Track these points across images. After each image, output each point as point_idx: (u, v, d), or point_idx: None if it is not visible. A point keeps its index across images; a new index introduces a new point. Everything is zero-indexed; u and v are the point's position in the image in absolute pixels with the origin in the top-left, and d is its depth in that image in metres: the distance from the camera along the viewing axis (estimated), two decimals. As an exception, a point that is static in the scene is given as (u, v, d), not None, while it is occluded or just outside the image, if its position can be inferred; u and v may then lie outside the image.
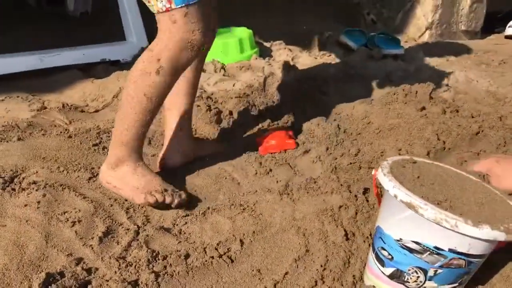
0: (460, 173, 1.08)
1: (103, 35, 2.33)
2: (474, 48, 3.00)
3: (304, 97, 1.97)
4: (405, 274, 0.95)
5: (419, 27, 3.02)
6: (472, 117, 1.73)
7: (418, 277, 0.94)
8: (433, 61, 2.57)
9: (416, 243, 0.92)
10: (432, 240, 0.91)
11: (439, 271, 0.93)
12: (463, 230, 0.86)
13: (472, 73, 2.49)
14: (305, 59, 2.42)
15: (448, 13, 3.01)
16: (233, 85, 2.02)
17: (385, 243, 0.97)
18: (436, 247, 0.91)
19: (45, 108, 1.74)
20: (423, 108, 1.73)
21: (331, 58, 2.43)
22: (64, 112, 1.71)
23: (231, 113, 1.79)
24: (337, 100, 1.90)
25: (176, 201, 1.23)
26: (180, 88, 1.41)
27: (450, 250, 0.90)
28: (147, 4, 1.16)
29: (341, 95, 1.98)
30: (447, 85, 2.24)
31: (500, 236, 0.86)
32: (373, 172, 1.04)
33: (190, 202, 1.31)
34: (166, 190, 1.24)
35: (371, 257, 1.02)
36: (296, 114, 1.82)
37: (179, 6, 1.10)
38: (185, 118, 1.44)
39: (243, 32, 2.36)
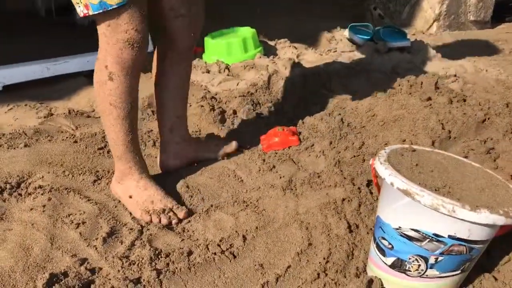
0: (461, 159, 1.06)
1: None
2: (484, 37, 2.95)
3: (308, 94, 1.97)
4: (406, 262, 0.94)
5: (427, 19, 2.99)
6: (479, 105, 1.71)
7: (419, 265, 0.93)
8: (441, 52, 2.53)
9: (415, 230, 0.91)
10: (430, 227, 0.89)
11: (440, 258, 0.92)
12: (461, 215, 0.85)
13: (481, 63, 2.45)
14: (311, 56, 2.41)
15: (455, 4, 2.97)
16: (237, 84, 2.02)
17: (384, 232, 0.97)
18: (435, 234, 0.89)
19: (52, 115, 1.77)
20: (429, 99, 1.71)
21: (337, 54, 2.42)
22: (71, 118, 1.74)
23: (235, 112, 1.79)
24: (342, 95, 1.89)
25: (173, 221, 1.21)
26: (163, 96, 1.40)
27: (450, 237, 0.89)
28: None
29: (346, 90, 1.97)
30: (455, 75, 2.21)
31: (499, 220, 0.85)
32: (370, 162, 1.04)
33: (194, 201, 1.31)
34: (163, 210, 1.22)
35: (373, 247, 1.02)
36: (300, 110, 1.82)
37: (97, 11, 1.09)
38: (176, 122, 1.43)
39: (246, 32, 2.37)
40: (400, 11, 3.09)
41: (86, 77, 2.14)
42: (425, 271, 0.94)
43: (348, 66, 2.22)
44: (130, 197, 1.26)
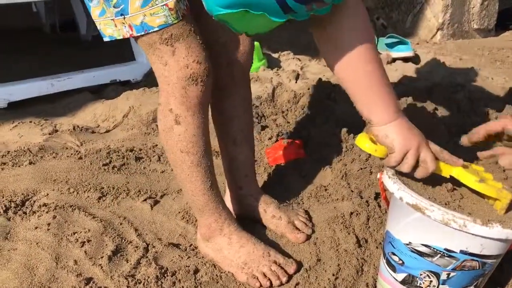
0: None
1: (113, 56, 2.36)
2: (488, 45, 2.94)
3: (313, 106, 1.96)
4: (417, 279, 0.92)
5: (430, 28, 2.98)
6: (487, 114, 1.69)
7: (431, 281, 0.91)
8: (445, 61, 2.52)
9: (426, 246, 0.89)
10: (442, 242, 0.87)
11: (452, 274, 0.90)
12: (472, 230, 0.83)
13: (486, 71, 2.44)
14: (314, 68, 2.40)
15: (459, 12, 2.97)
16: (242, 98, 2.01)
17: (395, 248, 0.95)
18: (446, 249, 0.87)
19: (57, 131, 1.76)
20: (435, 109, 1.70)
21: (341, 65, 2.41)
22: (75, 134, 1.73)
23: (240, 125, 1.78)
24: (347, 107, 1.88)
25: (283, 280, 1.06)
26: (221, 135, 1.24)
27: (462, 252, 0.87)
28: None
29: (351, 101, 1.96)
30: (460, 84, 2.20)
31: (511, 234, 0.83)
32: (378, 176, 1.02)
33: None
34: (270, 269, 1.08)
35: (383, 263, 1.00)
36: (306, 122, 1.81)
37: (138, 34, 0.97)
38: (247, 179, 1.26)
39: (250, 45, 2.37)
40: (403, 21, 3.09)
41: (90, 93, 2.14)
42: (437, 287, 0.91)
43: (352, 77, 2.21)
44: (225, 257, 1.11)
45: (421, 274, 0.91)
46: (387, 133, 0.94)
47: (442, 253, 0.88)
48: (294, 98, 1.96)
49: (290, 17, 0.83)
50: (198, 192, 1.10)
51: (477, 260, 0.88)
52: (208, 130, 1.09)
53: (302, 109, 1.92)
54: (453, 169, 0.93)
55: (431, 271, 0.90)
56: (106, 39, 1.04)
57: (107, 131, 1.82)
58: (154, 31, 0.96)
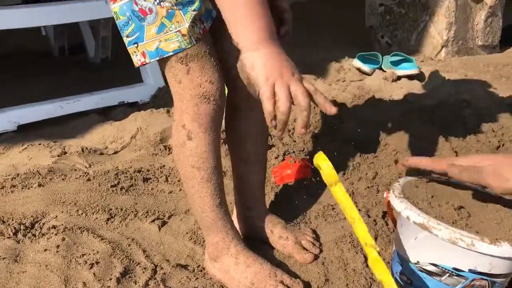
0: (477, 189, 1.05)
1: (121, 78, 2.39)
2: (493, 62, 2.95)
3: (319, 124, 1.96)
4: None
5: (435, 45, 3.00)
6: (493, 131, 1.69)
7: None
8: (451, 78, 2.53)
9: (434, 265, 0.89)
10: (450, 261, 0.87)
11: None
12: (480, 249, 0.83)
13: (492, 88, 2.44)
14: (320, 87, 2.42)
15: (463, 29, 2.99)
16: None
17: (403, 267, 0.95)
18: (455, 268, 0.87)
19: (66, 153, 1.78)
20: (441, 126, 1.70)
21: (346, 84, 2.43)
22: (84, 156, 1.75)
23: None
24: (353, 125, 1.89)
25: None
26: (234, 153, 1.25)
27: (471, 271, 0.87)
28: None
29: (357, 119, 1.97)
30: (466, 101, 2.20)
31: None
32: (385, 195, 1.02)
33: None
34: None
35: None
36: (312, 141, 1.81)
37: (153, 59, 1.01)
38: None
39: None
40: (407, 38, 3.11)
41: (99, 114, 2.16)
42: None
43: (358, 95, 2.23)
44: (233, 278, 1.11)
45: None
46: (254, 62, 0.88)
47: (450, 272, 0.88)
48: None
49: None
50: (206, 209, 1.10)
51: (487, 279, 0.88)
52: (220, 148, 1.11)
53: (309, 128, 1.93)
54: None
55: None
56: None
57: (115, 153, 1.83)
58: (169, 56, 1.00)
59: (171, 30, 0.98)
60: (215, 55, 1.04)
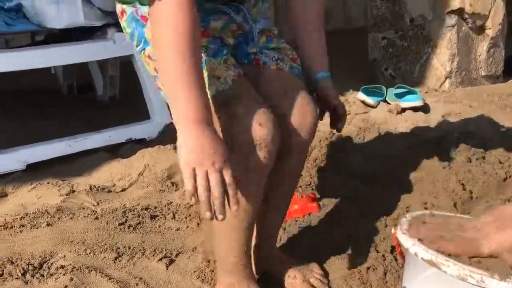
0: None
1: (129, 115, 2.43)
2: (498, 92, 2.96)
3: (325, 158, 1.97)
4: None
5: (438, 77, 3.02)
6: (500, 162, 1.69)
7: None
8: (456, 109, 2.54)
9: None
10: None
11: None
12: (490, 286, 0.82)
13: (497, 118, 2.45)
14: (325, 120, 2.43)
15: (465, 60, 3.02)
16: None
17: None
18: None
19: (74, 191, 1.80)
20: (447, 158, 1.71)
21: (351, 117, 2.44)
22: (92, 194, 1.76)
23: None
24: (358, 158, 1.90)
25: None
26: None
27: None
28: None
29: (362, 153, 1.98)
30: (471, 132, 2.20)
31: None
32: (392, 231, 1.02)
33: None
34: None
35: None
36: (318, 176, 1.82)
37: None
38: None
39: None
40: (411, 70, 3.14)
41: (106, 152, 2.18)
42: None
43: (363, 128, 2.24)
44: None
45: None
46: (183, 141, 0.85)
47: None
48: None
49: None
50: (231, 253, 1.06)
51: None
52: (262, 198, 1.04)
53: (315, 162, 1.93)
54: None
55: None
56: None
57: (123, 190, 1.84)
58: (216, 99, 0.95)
59: (204, 77, 0.93)
60: (259, 96, 0.96)
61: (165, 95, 0.94)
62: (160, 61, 0.89)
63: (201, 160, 0.84)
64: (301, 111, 1.05)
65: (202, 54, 0.95)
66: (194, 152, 0.84)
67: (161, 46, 0.87)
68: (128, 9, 1.06)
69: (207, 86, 0.94)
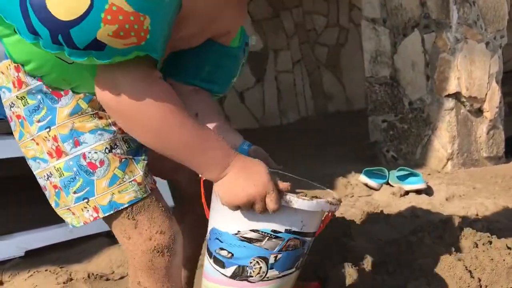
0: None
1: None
2: (501, 173, 2.96)
3: (330, 243, 1.94)
4: (247, 268, 0.96)
5: (440, 158, 3.04)
6: (507, 248, 1.65)
7: (261, 267, 0.96)
8: (459, 191, 2.53)
9: (255, 231, 0.95)
10: (269, 225, 0.94)
11: (279, 256, 0.97)
12: (296, 205, 0.93)
13: (501, 200, 2.43)
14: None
15: (466, 142, 3.05)
16: (257, 237, 2.01)
17: (222, 242, 0.97)
18: (273, 231, 0.94)
19: (72, 279, 1.75)
20: (452, 244, 1.67)
21: (354, 199, 2.43)
22: (90, 282, 1.72)
23: (255, 267, 1.76)
24: (362, 242, 1.86)
25: None
26: None
27: (286, 231, 0.95)
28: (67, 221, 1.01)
29: (367, 237, 1.94)
30: (476, 214, 2.18)
31: (326, 206, 0.97)
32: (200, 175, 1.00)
33: None
34: None
35: (208, 263, 1.01)
36: (323, 262, 1.77)
37: (107, 213, 0.95)
38: None
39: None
40: (413, 152, 3.17)
41: (106, 236, 2.16)
42: (266, 273, 0.97)
43: (366, 211, 2.22)
44: None
45: (251, 263, 0.96)
46: (217, 189, 0.94)
47: (270, 235, 0.95)
48: (309, 236, 1.96)
49: (36, 42, 0.78)
50: None
51: (299, 238, 0.97)
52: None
53: (318, 246, 1.89)
54: None
55: (260, 257, 0.96)
56: (69, 227, 1.03)
57: (121, 278, 1.80)
58: (123, 208, 0.95)
59: (124, 181, 0.94)
60: (162, 199, 1.00)
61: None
62: (165, 140, 0.90)
63: (261, 192, 0.91)
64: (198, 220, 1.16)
65: (123, 149, 0.96)
66: (233, 195, 0.92)
67: (159, 128, 0.88)
68: (33, 81, 0.95)
69: (127, 190, 0.95)
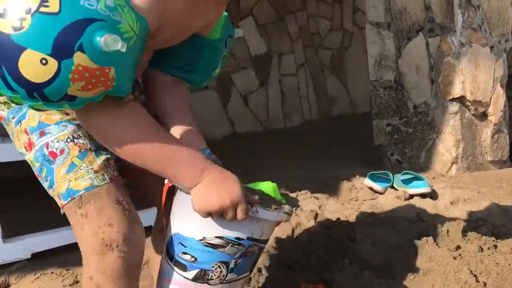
0: None
1: (137, 201, 2.43)
2: (505, 177, 2.96)
3: (334, 246, 1.94)
4: (209, 272, 1.00)
5: (445, 162, 3.04)
6: (512, 252, 1.65)
7: (221, 271, 1.01)
8: (463, 195, 2.53)
9: (220, 237, 0.99)
10: (233, 232, 0.99)
11: (239, 261, 1.03)
12: (262, 215, 0.98)
13: (506, 203, 2.42)
14: (332, 206, 2.43)
15: (471, 146, 3.05)
16: (262, 241, 2.02)
17: (186, 247, 1.00)
18: (237, 238, 1.00)
19: (78, 282, 1.76)
20: (458, 248, 1.67)
21: (359, 203, 2.44)
22: (96, 284, 1.72)
23: (259, 270, 1.76)
24: (367, 246, 1.86)
25: None
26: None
27: (248, 239, 1.01)
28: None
29: (371, 241, 1.95)
30: (481, 219, 2.18)
31: (284, 217, 1.02)
32: (166, 181, 1.05)
33: None
34: None
35: (168, 266, 1.03)
36: (328, 266, 1.78)
37: (66, 201, 0.97)
38: None
39: (267, 187, 2.43)
40: (417, 156, 3.17)
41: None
42: (226, 276, 1.02)
43: (371, 215, 2.22)
44: None
45: (213, 267, 1.00)
46: (192, 196, 0.97)
47: (233, 242, 1.00)
48: (315, 239, 1.96)
49: (16, 95, 0.82)
50: None
51: (257, 245, 1.04)
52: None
53: (323, 251, 1.90)
54: None
55: (222, 262, 1.00)
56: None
57: (127, 280, 1.81)
58: (79, 195, 0.97)
59: (81, 169, 0.98)
60: (123, 192, 1.01)
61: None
62: (138, 156, 0.93)
63: (234, 201, 0.96)
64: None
65: (85, 141, 1.01)
66: (208, 199, 0.95)
67: (132, 146, 0.92)
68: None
69: (83, 177, 0.98)
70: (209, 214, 0.95)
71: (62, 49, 0.77)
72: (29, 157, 1.03)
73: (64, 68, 0.79)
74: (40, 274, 1.84)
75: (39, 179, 1.04)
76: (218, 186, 0.95)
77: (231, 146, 4.11)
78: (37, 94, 0.81)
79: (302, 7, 5.37)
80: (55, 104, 0.84)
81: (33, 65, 0.78)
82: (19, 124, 1.03)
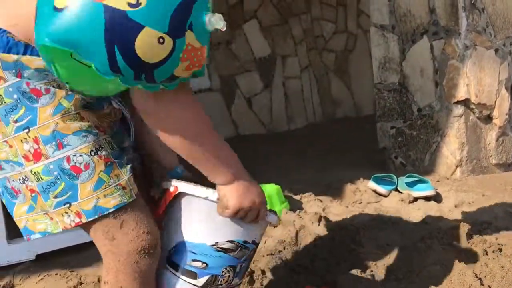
0: None
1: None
2: (510, 180, 2.95)
3: (338, 249, 1.94)
4: (219, 277, 1.01)
5: (449, 165, 3.03)
6: (517, 255, 1.65)
7: (229, 276, 1.02)
8: (468, 198, 2.52)
9: (231, 241, 1.01)
10: (242, 236, 1.02)
11: (243, 265, 1.05)
12: (269, 219, 1.04)
13: (511, 207, 2.41)
14: (336, 209, 2.42)
15: (475, 149, 3.04)
16: (265, 242, 2.02)
17: (196, 253, 1.00)
18: (244, 241, 1.02)
19: (82, 283, 1.77)
20: (462, 251, 1.67)
21: (363, 206, 2.43)
22: (100, 286, 1.73)
23: (263, 272, 1.76)
24: (371, 249, 1.86)
25: None
26: None
27: (253, 242, 1.04)
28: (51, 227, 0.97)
29: (375, 243, 1.94)
30: (486, 222, 2.17)
31: (276, 221, 1.09)
32: (172, 189, 1.05)
33: None
34: None
35: (173, 277, 1.02)
36: (331, 268, 1.78)
37: (91, 218, 0.93)
38: None
39: (271, 189, 2.42)
40: (421, 159, 3.16)
41: (116, 241, 2.17)
42: (232, 281, 1.03)
43: (375, 218, 2.22)
44: None
45: (222, 271, 1.01)
46: (225, 193, 1.00)
47: (241, 245, 1.02)
48: (318, 241, 1.96)
49: (116, 78, 0.80)
50: None
51: (255, 249, 1.07)
52: None
53: (327, 253, 1.90)
54: None
55: (230, 266, 1.02)
56: (34, 236, 0.99)
57: (131, 282, 1.81)
58: (109, 212, 0.94)
59: (110, 185, 0.93)
60: (145, 205, 1.01)
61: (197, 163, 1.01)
62: (196, 146, 0.97)
63: (262, 202, 1.05)
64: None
65: (108, 151, 0.97)
66: (241, 199, 1.01)
67: (195, 135, 0.96)
68: (11, 76, 0.88)
69: (113, 195, 0.95)
70: (236, 212, 1.00)
71: (177, 27, 0.77)
72: (33, 168, 0.92)
73: (178, 47, 0.78)
74: (44, 276, 1.85)
75: (41, 193, 0.94)
76: (249, 188, 1.02)
77: (235, 149, 4.08)
78: (145, 75, 0.80)
79: (306, 10, 5.37)
80: (155, 86, 0.84)
81: (150, 45, 0.76)
82: (26, 130, 0.91)
